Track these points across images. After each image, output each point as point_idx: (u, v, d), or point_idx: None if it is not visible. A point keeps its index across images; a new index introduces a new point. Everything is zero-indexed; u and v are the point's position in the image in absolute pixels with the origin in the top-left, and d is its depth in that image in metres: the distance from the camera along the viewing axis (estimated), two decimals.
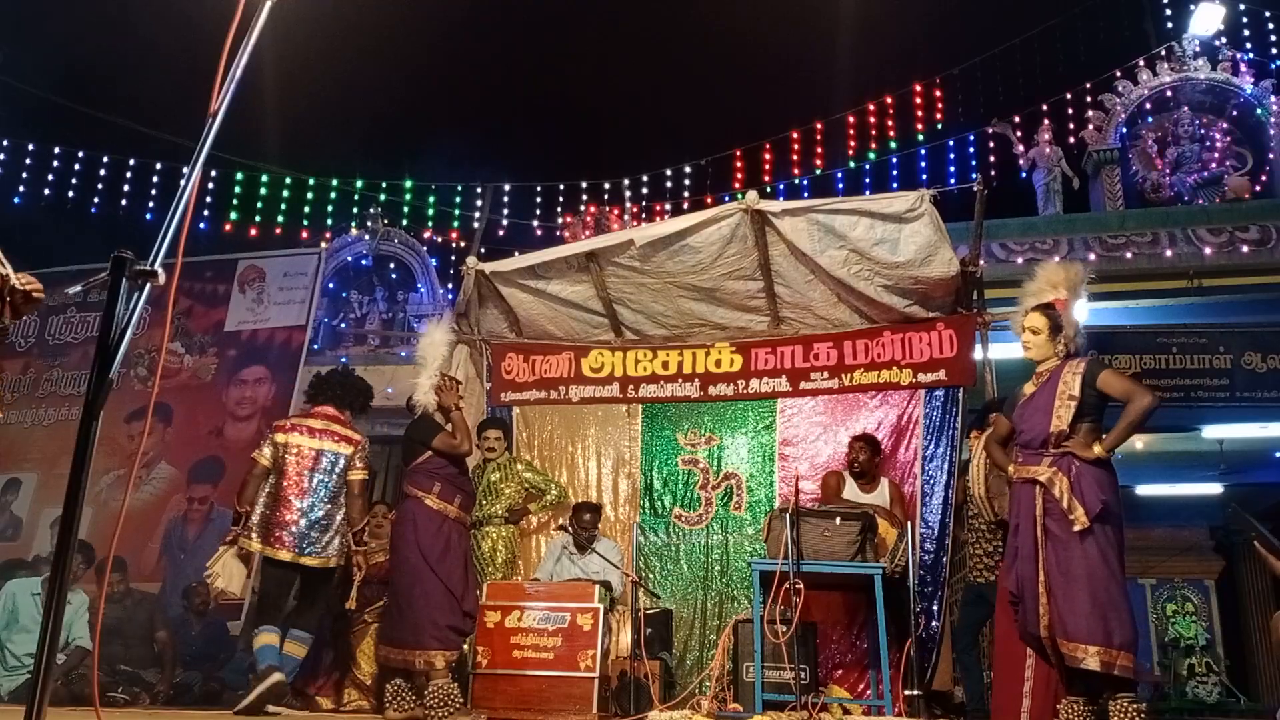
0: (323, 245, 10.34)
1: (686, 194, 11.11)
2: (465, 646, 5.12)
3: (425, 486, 4.84)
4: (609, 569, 5.62)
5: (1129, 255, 9.42)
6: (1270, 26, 11.06)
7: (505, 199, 11.01)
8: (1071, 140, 10.92)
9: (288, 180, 11.19)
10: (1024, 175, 10.80)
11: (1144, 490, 11.30)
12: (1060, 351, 3.87)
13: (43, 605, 5.68)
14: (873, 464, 5.62)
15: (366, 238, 10.65)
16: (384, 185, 11.27)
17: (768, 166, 11.24)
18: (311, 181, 11.17)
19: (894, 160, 11.15)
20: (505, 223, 10.92)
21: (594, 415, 6.59)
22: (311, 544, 4.96)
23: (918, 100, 11.19)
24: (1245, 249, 9.26)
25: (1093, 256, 9.37)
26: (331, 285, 10.44)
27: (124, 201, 11.24)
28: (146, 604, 6.57)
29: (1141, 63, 11.05)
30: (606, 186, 11.23)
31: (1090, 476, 3.61)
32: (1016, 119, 10.93)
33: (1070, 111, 11.05)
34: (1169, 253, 9.33)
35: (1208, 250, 9.28)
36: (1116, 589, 3.53)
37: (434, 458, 4.91)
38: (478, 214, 10.11)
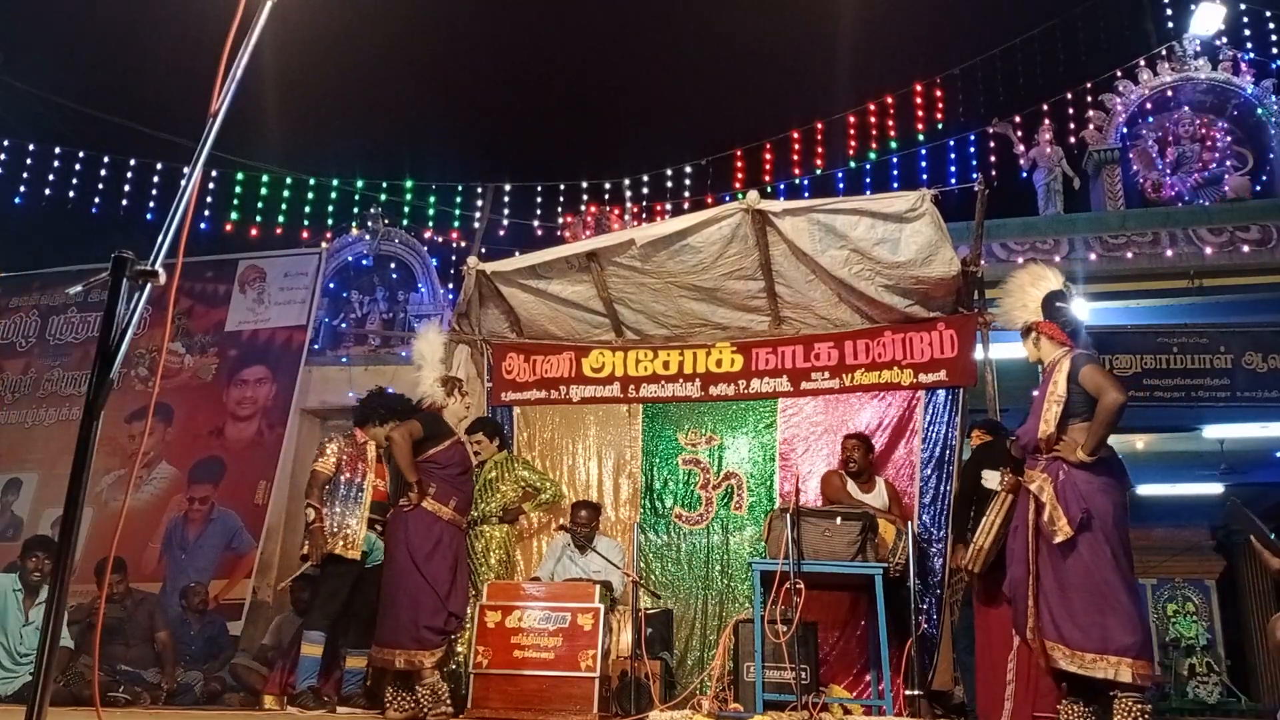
0: (323, 245, 10.33)
1: (687, 194, 11.11)
2: (461, 646, 5.13)
3: (421, 487, 4.83)
4: (610, 569, 5.61)
5: (1129, 255, 9.41)
6: (1271, 26, 11.05)
7: (505, 199, 11.01)
8: (1072, 140, 10.91)
9: (288, 180, 11.19)
10: (1024, 175, 10.79)
11: (1144, 490, 11.29)
12: (1033, 338, 3.86)
13: (23, 604, 5.68)
14: (868, 462, 5.62)
15: (367, 238, 10.63)
16: (384, 185, 11.27)
17: (768, 166, 11.24)
18: (312, 181, 11.17)
19: (894, 160, 11.14)
20: (506, 223, 10.92)
21: (594, 415, 6.58)
22: None
23: (918, 100, 11.18)
24: (1246, 249, 9.25)
25: (1093, 256, 9.37)
26: (332, 285, 10.44)
27: (124, 201, 11.24)
28: (147, 604, 6.56)
29: (1142, 62, 11.03)
30: (607, 186, 11.23)
31: (1077, 482, 3.53)
32: (1017, 119, 10.92)
33: (1071, 111, 11.04)
34: (1169, 253, 9.33)
35: (1208, 250, 9.27)
36: (1113, 594, 3.43)
37: (431, 457, 4.89)
38: (478, 214, 10.10)
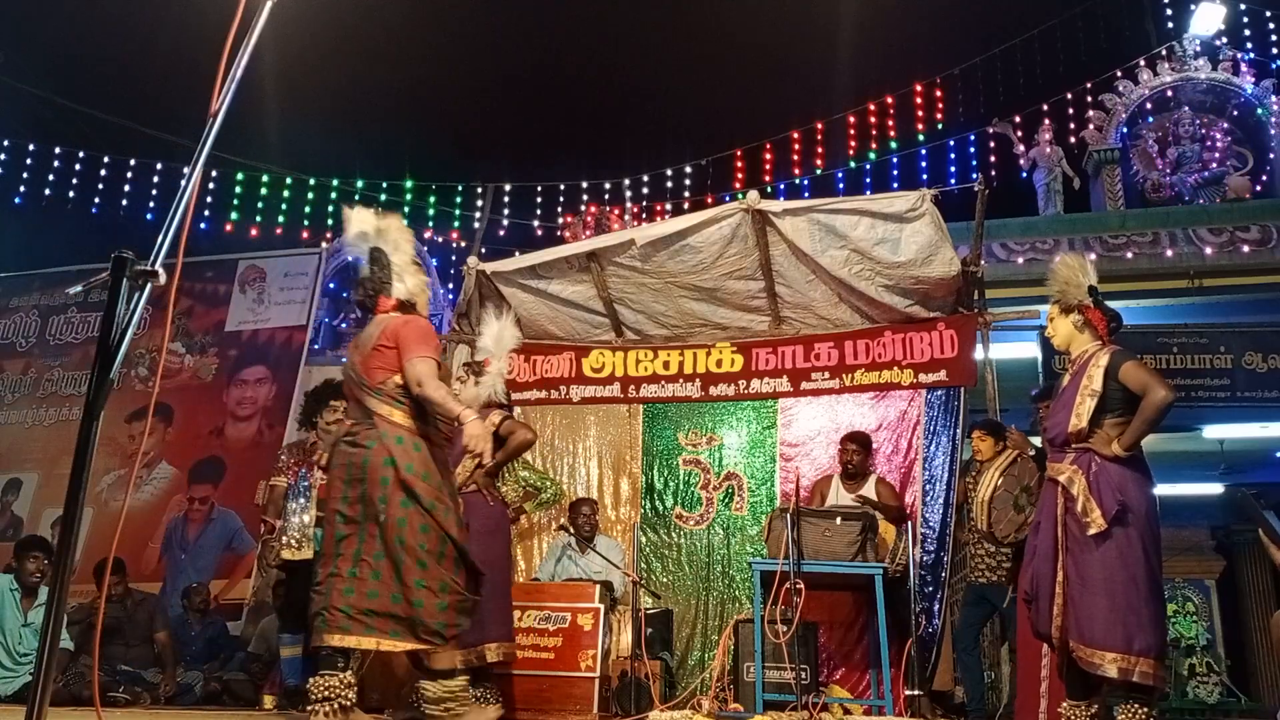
0: (323, 245, 10.33)
1: (687, 194, 11.12)
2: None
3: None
4: (610, 569, 5.61)
5: (1129, 255, 9.43)
6: (1271, 26, 11.06)
7: (505, 199, 11.02)
8: (1072, 140, 10.92)
9: (288, 180, 11.20)
10: (1024, 175, 10.81)
11: None
12: (1077, 320, 3.65)
13: (20, 604, 5.66)
14: (865, 463, 5.62)
15: None
16: (384, 185, 11.28)
17: (768, 166, 11.25)
18: (312, 181, 11.18)
19: (894, 160, 11.16)
20: (506, 223, 10.94)
21: (595, 415, 6.58)
22: None
23: (918, 100, 11.19)
24: (1246, 249, 9.26)
25: (1093, 256, 9.34)
26: (332, 285, 10.43)
27: (124, 201, 11.23)
28: (147, 604, 6.55)
29: (1142, 62, 11.05)
30: (607, 186, 11.24)
31: (1110, 476, 3.43)
32: (1017, 119, 10.94)
33: (1071, 111, 11.05)
34: (1170, 253, 9.34)
35: (1208, 250, 9.28)
36: (1137, 593, 3.35)
37: None
38: (478, 214, 10.10)
